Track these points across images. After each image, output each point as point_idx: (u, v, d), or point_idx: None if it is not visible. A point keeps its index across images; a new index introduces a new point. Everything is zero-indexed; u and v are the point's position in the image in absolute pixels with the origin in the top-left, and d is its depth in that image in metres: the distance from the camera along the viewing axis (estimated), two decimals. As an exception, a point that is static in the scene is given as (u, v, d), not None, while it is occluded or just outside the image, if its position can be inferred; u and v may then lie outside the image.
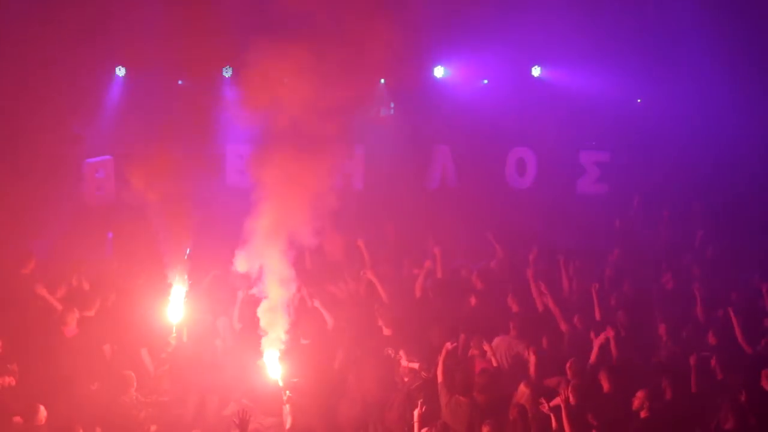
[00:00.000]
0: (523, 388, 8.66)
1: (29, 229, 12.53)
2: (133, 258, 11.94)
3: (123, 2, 14.20)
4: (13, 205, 12.78)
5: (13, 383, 8.78)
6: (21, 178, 13.20)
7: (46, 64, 13.73)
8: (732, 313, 9.71)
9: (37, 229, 12.61)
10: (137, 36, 14.19)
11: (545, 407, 8.05)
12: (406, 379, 9.33)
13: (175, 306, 10.27)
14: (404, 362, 9.43)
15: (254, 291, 10.62)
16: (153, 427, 9.39)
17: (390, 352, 9.69)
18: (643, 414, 8.12)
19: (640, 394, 8.22)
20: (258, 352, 9.68)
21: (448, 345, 8.98)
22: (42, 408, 8.10)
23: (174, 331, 10.23)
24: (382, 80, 17.31)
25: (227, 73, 16.28)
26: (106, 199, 14.73)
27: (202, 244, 11.47)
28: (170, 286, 10.38)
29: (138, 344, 10.25)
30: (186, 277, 10.43)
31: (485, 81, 17.42)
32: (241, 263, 10.98)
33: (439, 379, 8.82)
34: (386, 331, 10.00)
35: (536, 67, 16.87)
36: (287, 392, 8.55)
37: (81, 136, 14.60)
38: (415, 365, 9.28)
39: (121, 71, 15.70)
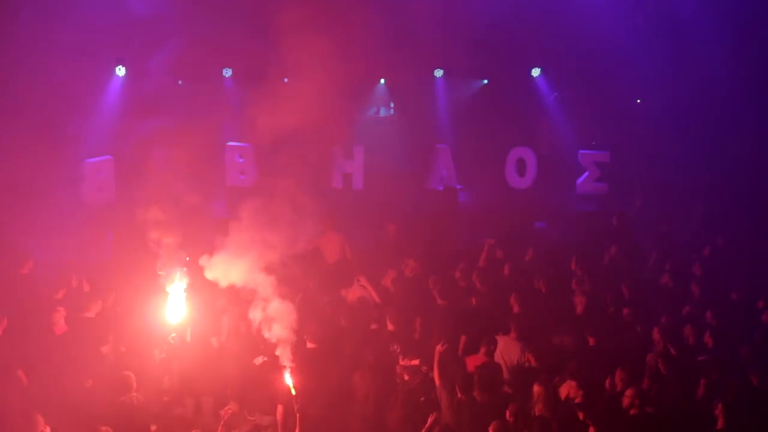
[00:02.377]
0: (537, 388, 8.63)
1: (29, 229, 12.53)
2: (132, 258, 11.91)
3: (123, 2, 14.23)
4: (13, 205, 12.79)
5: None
6: (21, 178, 13.22)
7: (46, 64, 13.74)
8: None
9: (36, 229, 12.61)
10: (139, 36, 14.24)
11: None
12: (406, 378, 9.31)
13: (174, 306, 10.25)
14: (403, 360, 9.41)
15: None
16: (153, 427, 9.38)
17: (395, 348, 9.66)
18: (632, 411, 8.12)
19: (629, 392, 8.21)
20: (258, 350, 9.68)
21: (440, 347, 8.96)
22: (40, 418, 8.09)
23: (173, 331, 10.21)
24: (382, 80, 17.35)
25: (227, 73, 16.32)
26: (106, 199, 14.73)
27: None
28: (168, 285, 10.36)
29: (139, 344, 10.24)
30: (184, 275, 10.40)
31: (485, 81, 17.45)
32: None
33: (437, 382, 8.80)
34: (390, 327, 10.00)
35: (536, 68, 16.92)
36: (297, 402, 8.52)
37: (82, 136, 14.62)
38: (415, 362, 9.26)
39: (121, 71, 15.71)
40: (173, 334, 10.05)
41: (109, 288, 10.82)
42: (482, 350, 9.60)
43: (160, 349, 10.08)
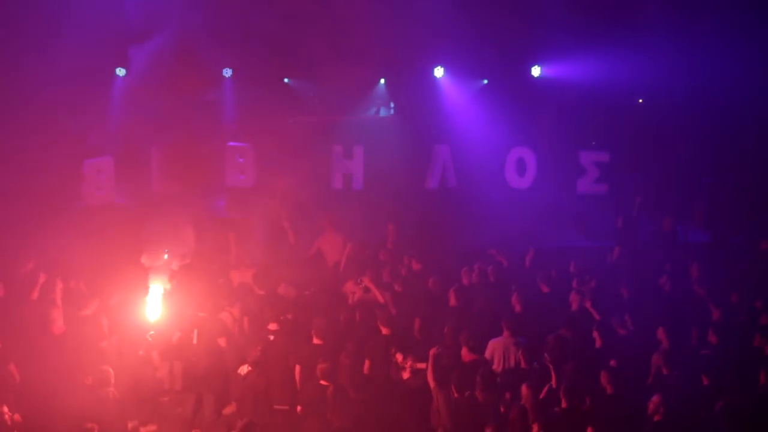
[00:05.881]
0: (525, 390, 8.64)
1: (29, 229, 12.52)
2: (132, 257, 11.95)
3: (124, 2, 14.24)
4: (14, 205, 12.78)
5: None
6: (21, 179, 13.21)
7: (45, 64, 13.73)
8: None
9: (37, 229, 12.60)
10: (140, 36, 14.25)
11: None
12: (405, 377, 9.31)
13: (153, 304, 10.30)
14: (406, 362, 9.41)
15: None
16: (153, 427, 9.40)
17: (392, 351, 9.67)
18: (656, 418, 8.12)
19: (655, 399, 8.21)
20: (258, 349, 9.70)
21: (434, 350, 8.97)
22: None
23: (152, 329, 10.24)
24: (382, 80, 17.36)
25: (227, 73, 16.31)
26: (106, 199, 14.71)
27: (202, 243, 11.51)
28: (149, 284, 10.41)
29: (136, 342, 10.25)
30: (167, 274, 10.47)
31: (485, 81, 17.46)
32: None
33: (431, 384, 8.78)
34: (384, 331, 10.00)
35: (536, 67, 16.92)
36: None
37: (82, 136, 14.60)
38: (422, 365, 9.25)
39: (121, 71, 15.71)
40: (151, 332, 10.07)
41: (110, 288, 10.83)
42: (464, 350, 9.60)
43: (142, 347, 10.13)
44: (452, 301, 10.75)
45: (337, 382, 9.00)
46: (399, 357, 9.53)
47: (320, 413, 8.76)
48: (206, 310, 10.56)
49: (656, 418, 8.11)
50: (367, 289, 11.25)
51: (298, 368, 9.60)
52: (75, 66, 13.94)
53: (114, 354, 9.95)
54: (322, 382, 8.96)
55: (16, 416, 8.26)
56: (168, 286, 10.85)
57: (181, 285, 11.06)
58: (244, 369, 9.47)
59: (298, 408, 9.16)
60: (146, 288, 10.95)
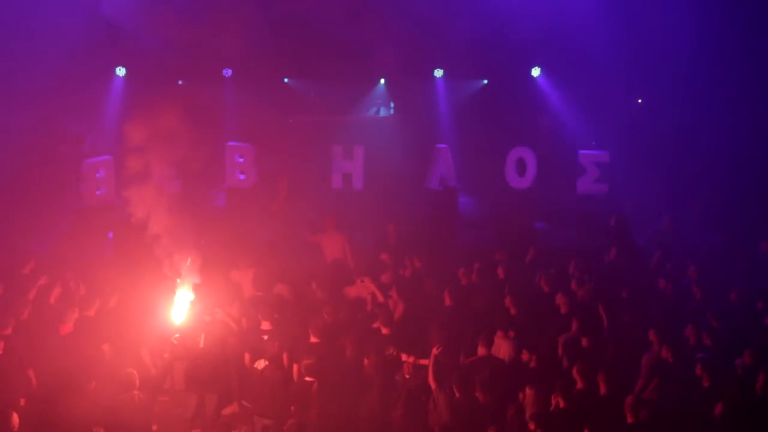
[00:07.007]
0: (528, 390, 8.63)
1: (29, 229, 12.54)
2: (132, 258, 11.93)
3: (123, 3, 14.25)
4: (14, 205, 12.81)
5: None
6: (21, 179, 13.24)
7: (46, 65, 13.75)
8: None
9: (37, 229, 12.62)
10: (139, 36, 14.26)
11: None
12: (407, 376, 9.31)
13: (179, 307, 10.29)
14: (409, 359, 9.42)
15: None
16: (153, 427, 9.39)
17: (391, 351, 9.67)
18: (630, 419, 8.13)
19: (628, 400, 8.23)
20: (259, 351, 9.71)
21: (435, 350, 8.96)
22: (15, 414, 8.11)
23: (176, 332, 10.25)
24: (382, 80, 17.39)
25: (227, 73, 16.34)
26: (106, 199, 14.73)
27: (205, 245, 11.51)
28: (175, 287, 10.39)
29: (139, 344, 10.25)
30: (193, 277, 10.46)
31: (485, 81, 17.49)
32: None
33: (432, 385, 8.78)
34: (384, 330, 10.01)
35: (536, 67, 16.95)
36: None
37: (82, 136, 14.63)
38: (425, 362, 9.25)
39: (121, 71, 15.73)
40: (176, 335, 10.07)
41: (112, 288, 10.83)
42: (481, 349, 9.59)
43: (165, 349, 10.13)
44: (447, 302, 10.74)
45: (322, 377, 9.00)
46: (402, 356, 9.54)
47: (306, 409, 8.79)
48: (210, 312, 10.58)
49: (630, 419, 8.10)
50: (367, 288, 11.26)
51: (296, 367, 9.62)
52: (75, 66, 13.97)
53: (115, 356, 9.94)
54: (307, 378, 8.99)
55: (21, 401, 8.28)
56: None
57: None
58: (261, 363, 9.49)
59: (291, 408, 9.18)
60: (153, 289, 10.87)
